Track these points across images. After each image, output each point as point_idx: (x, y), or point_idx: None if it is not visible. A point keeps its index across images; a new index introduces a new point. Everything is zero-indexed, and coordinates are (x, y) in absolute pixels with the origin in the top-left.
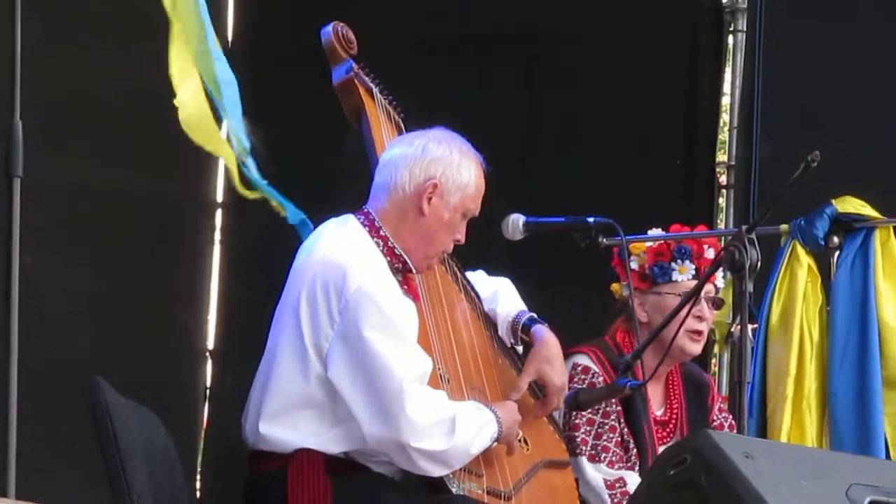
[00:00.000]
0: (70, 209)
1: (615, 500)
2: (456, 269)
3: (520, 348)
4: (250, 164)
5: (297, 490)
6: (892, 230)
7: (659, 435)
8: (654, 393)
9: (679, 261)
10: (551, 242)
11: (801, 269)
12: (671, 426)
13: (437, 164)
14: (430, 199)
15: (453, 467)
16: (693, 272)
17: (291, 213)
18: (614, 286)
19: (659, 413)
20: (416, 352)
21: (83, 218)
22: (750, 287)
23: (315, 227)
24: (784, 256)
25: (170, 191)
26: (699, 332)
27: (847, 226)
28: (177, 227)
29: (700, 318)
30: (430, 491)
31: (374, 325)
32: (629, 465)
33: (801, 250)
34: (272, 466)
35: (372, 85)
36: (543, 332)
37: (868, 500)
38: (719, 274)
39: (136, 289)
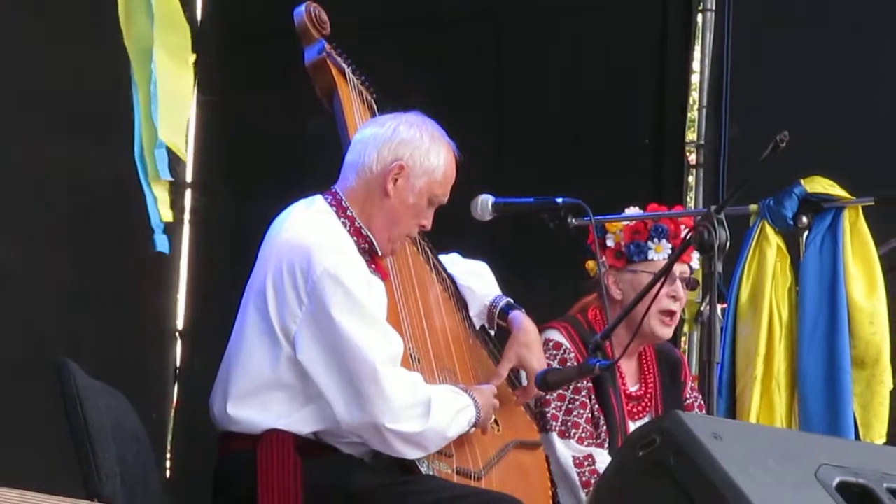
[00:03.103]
0: (37, 192)
1: (583, 479)
2: (428, 249)
3: (492, 332)
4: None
5: (266, 471)
6: (860, 210)
7: (634, 410)
8: (628, 369)
9: (655, 240)
10: (522, 223)
11: (770, 249)
12: (646, 401)
13: (406, 147)
14: (395, 180)
15: (429, 450)
16: (669, 251)
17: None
18: (589, 263)
19: (634, 389)
20: (386, 332)
21: (50, 200)
22: (719, 267)
23: (283, 209)
24: (753, 236)
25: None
26: (671, 315)
27: (816, 206)
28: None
29: (675, 298)
30: (400, 472)
31: (342, 308)
32: (599, 441)
33: (770, 230)
34: (241, 447)
35: (344, 65)
36: (521, 318)
37: (837, 480)
38: (695, 254)
39: (105, 270)
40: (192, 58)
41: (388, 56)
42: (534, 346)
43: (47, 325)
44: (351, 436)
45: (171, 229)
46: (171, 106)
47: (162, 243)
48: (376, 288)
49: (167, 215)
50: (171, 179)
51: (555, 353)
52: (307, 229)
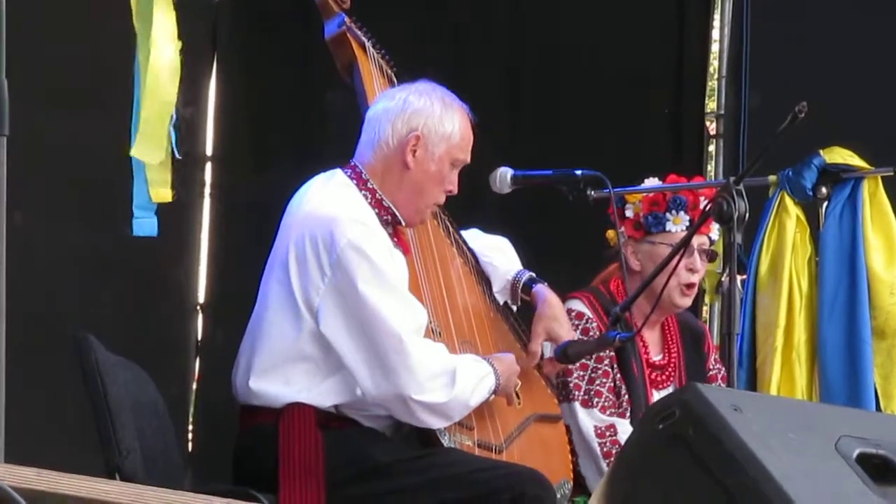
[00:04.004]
0: (58, 165)
1: (604, 450)
2: (448, 224)
3: (515, 307)
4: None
5: (287, 444)
6: (880, 180)
7: (658, 379)
8: (651, 338)
9: (674, 211)
10: (542, 195)
11: (789, 220)
12: (669, 370)
13: (419, 117)
14: (413, 151)
15: (453, 419)
16: (687, 223)
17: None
18: (609, 233)
19: (657, 358)
20: (411, 303)
21: (71, 173)
22: (739, 238)
23: (303, 183)
24: (772, 207)
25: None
26: (690, 286)
27: (835, 176)
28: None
29: (693, 271)
30: (422, 445)
31: (367, 280)
32: (621, 411)
33: (789, 201)
34: (263, 421)
35: (364, 39)
36: (545, 291)
37: (857, 452)
38: (715, 226)
39: (126, 243)
40: (179, 45)
41: (404, 29)
42: (561, 318)
43: (68, 299)
44: (372, 408)
45: (192, 203)
46: (153, 119)
47: (144, 227)
48: (399, 260)
49: (164, 196)
50: (178, 157)
51: (577, 322)
52: (328, 202)
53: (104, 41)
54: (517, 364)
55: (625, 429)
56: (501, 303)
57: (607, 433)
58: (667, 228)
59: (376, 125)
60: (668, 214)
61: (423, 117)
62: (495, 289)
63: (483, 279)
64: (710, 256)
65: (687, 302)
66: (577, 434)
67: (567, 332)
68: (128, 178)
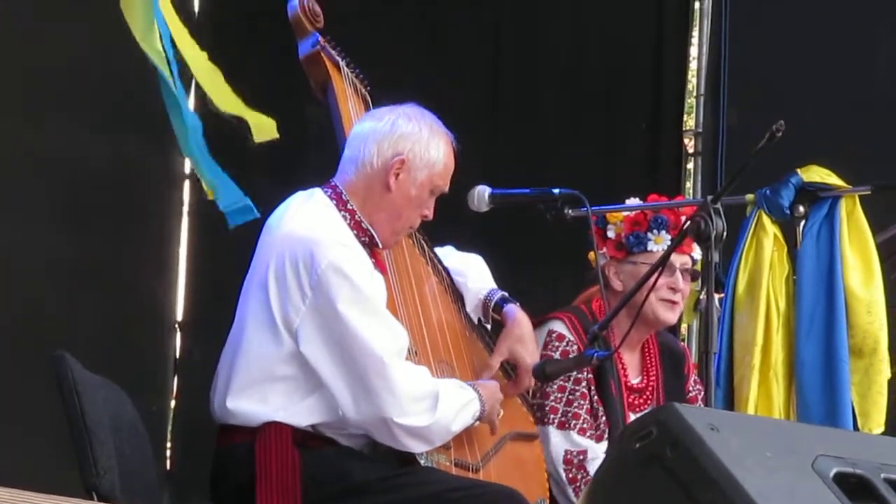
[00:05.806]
0: (39, 179)
1: (569, 475)
2: (423, 242)
3: (488, 326)
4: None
5: (264, 463)
6: (857, 199)
7: (636, 402)
8: (631, 361)
9: (655, 231)
10: (519, 213)
11: (766, 239)
12: (647, 394)
13: (406, 141)
14: (397, 174)
15: (434, 444)
16: (669, 243)
17: (227, 195)
18: (591, 254)
19: (636, 381)
20: (392, 325)
21: (52, 188)
22: (716, 257)
23: (284, 199)
24: (750, 226)
25: (138, 161)
26: (674, 301)
27: (812, 195)
28: (145, 197)
29: (674, 290)
30: (399, 464)
31: (348, 301)
32: (598, 433)
33: (766, 220)
34: (240, 440)
35: (339, 58)
36: (515, 311)
37: (834, 471)
38: (697, 245)
39: (105, 260)
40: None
41: (384, 36)
42: (527, 340)
43: (45, 316)
44: (350, 428)
45: (171, 221)
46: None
47: (243, 213)
48: (379, 282)
49: (269, 130)
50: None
51: (557, 344)
52: (309, 222)
53: (98, 51)
54: (499, 392)
55: (595, 454)
56: (476, 321)
57: (575, 459)
58: (648, 248)
59: (361, 144)
60: (649, 234)
61: (411, 142)
62: (467, 307)
63: (458, 297)
64: (694, 276)
65: (672, 317)
66: (548, 457)
67: (531, 355)
68: (107, 192)
